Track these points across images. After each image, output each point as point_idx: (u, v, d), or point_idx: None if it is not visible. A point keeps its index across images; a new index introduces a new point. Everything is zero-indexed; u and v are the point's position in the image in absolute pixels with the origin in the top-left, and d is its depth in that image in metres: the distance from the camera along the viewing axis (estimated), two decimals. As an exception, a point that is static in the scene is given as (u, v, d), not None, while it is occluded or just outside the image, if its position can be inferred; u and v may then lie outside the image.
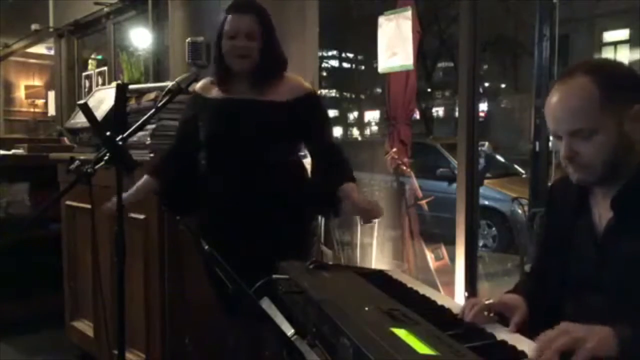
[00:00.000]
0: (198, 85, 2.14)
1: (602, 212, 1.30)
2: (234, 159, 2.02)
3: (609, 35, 13.99)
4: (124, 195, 1.98)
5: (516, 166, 8.76)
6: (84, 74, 7.36)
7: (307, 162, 2.20)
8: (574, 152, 1.25)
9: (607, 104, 1.21)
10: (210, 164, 2.09)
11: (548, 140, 6.66)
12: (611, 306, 1.16)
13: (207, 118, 2.07)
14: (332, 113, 17.34)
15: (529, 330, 1.21)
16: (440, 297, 1.42)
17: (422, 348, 0.99)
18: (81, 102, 1.94)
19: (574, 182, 1.30)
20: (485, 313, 1.26)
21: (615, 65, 1.38)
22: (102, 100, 2.83)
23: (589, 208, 1.34)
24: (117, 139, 1.80)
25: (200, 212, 2.11)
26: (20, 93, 10.18)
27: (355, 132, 19.33)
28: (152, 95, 2.50)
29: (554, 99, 1.27)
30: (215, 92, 2.10)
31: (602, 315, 1.10)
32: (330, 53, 17.84)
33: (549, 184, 6.21)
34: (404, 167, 4.09)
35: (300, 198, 2.06)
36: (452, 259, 3.07)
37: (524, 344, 1.10)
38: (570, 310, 1.31)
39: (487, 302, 1.28)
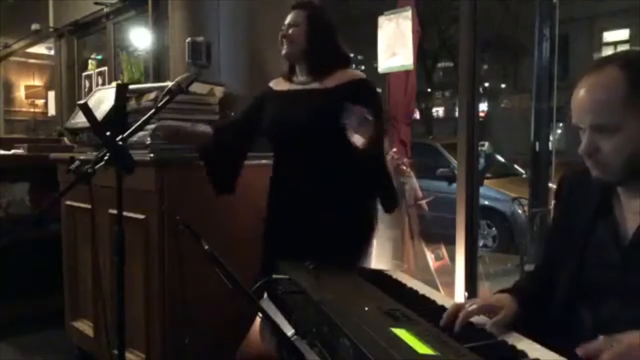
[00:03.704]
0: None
1: (628, 215, 1.24)
2: (287, 148, 2.12)
3: (609, 35, 14.02)
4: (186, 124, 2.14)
5: (516, 166, 8.77)
6: (84, 74, 7.35)
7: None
8: (595, 148, 1.19)
9: (635, 102, 1.15)
10: (274, 154, 2.18)
11: (548, 140, 6.67)
12: (635, 313, 1.09)
13: (268, 109, 2.18)
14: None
15: (517, 327, 1.19)
16: (440, 297, 1.42)
17: (422, 348, 0.99)
18: (81, 102, 1.93)
19: (593, 179, 1.23)
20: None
21: None
22: (102, 100, 2.83)
23: (611, 208, 1.27)
24: (117, 139, 1.80)
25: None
26: (20, 93, 10.18)
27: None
28: (152, 95, 2.49)
29: (580, 90, 1.21)
30: (283, 86, 2.20)
31: (624, 323, 1.06)
32: (330, 53, 17.79)
33: (549, 184, 6.25)
34: (404, 167, 4.09)
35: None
36: (452, 259, 3.07)
37: (524, 344, 1.10)
38: (587, 315, 1.25)
39: (470, 308, 1.22)
